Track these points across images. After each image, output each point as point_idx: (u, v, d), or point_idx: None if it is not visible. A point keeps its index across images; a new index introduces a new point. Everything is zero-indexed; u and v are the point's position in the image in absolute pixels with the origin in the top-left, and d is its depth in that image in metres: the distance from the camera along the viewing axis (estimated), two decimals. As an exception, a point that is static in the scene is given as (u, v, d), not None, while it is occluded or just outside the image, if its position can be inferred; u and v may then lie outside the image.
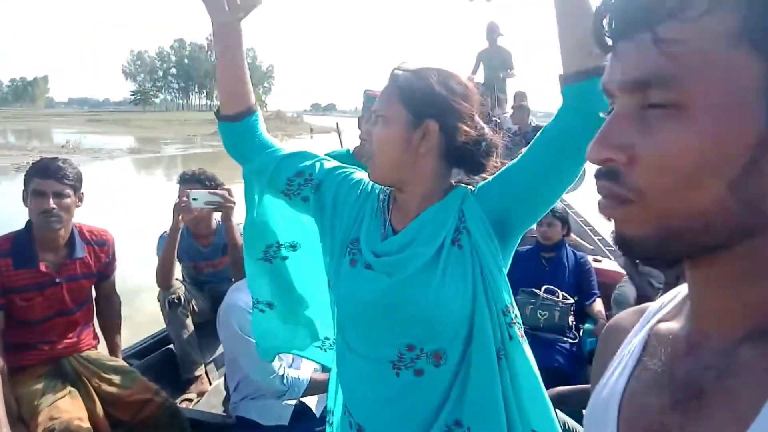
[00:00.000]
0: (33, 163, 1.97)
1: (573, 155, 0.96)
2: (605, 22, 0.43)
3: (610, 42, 0.43)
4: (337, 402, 1.23)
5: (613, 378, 0.54)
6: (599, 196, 0.44)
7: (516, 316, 1.05)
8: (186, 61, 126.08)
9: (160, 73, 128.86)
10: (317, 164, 1.18)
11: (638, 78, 0.40)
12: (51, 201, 1.90)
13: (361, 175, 1.20)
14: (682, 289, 0.54)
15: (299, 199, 1.18)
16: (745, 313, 0.43)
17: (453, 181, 1.11)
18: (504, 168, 1.05)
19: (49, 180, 1.91)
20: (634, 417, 0.49)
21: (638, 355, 0.52)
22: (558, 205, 3.03)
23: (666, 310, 0.54)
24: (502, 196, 1.03)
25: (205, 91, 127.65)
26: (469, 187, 1.09)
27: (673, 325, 0.51)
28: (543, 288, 2.78)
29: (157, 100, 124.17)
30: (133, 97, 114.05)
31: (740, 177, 0.38)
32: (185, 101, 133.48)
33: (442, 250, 1.02)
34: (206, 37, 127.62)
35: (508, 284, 1.05)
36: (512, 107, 6.68)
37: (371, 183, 1.16)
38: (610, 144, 0.42)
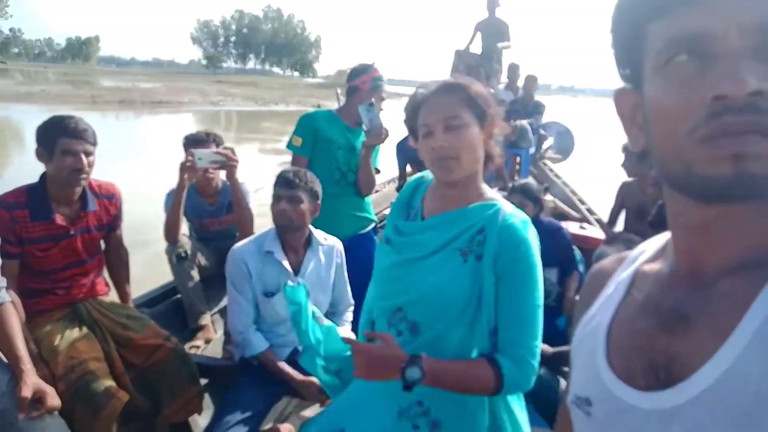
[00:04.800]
0: (53, 122, 2.03)
1: None
2: None
3: None
4: None
5: (600, 311, 0.62)
6: (725, 137, 0.44)
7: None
8: (245, 30, 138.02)
9: (222, 40, 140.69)
10: None
11: None
12: (84, 160, 2.02)
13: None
14: (657, 239, 0.64)
15: None
16: (733, 251, 0.50)
17: (488, 194, 1.28)
18: (527, 296, 1.19)
19: (80, 140, 2.01)
20: (623, 339, 0.57)
21: (624, 291, 0.61)
22: (533, 184, 3.12)
23: (647, 255, 0.63)
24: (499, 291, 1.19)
25: (260, 57, 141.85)
26: (502, 206, 1.24)
27: (657, 265, 0.60)
28: None
29: (224, 65, 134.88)
30: (205, 62, 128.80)
31: None
32: (242, 66, 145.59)
33: (444, 250, 1.22)
34: (262, 8, 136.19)
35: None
36: (511, 76, 6.74)
37: (420, 178, 1.40)
38: (754, 76, 0.43)
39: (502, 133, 1.30)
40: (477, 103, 1.22)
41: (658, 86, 0.50)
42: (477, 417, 1.23)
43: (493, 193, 1.30)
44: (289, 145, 2.65)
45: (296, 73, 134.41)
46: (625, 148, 3.20)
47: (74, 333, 2.06)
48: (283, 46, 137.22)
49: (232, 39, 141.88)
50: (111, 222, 2.27)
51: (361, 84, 2.59)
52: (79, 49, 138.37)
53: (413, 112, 1.26)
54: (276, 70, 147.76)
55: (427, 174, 1.37)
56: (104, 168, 2.36)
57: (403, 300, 1.25)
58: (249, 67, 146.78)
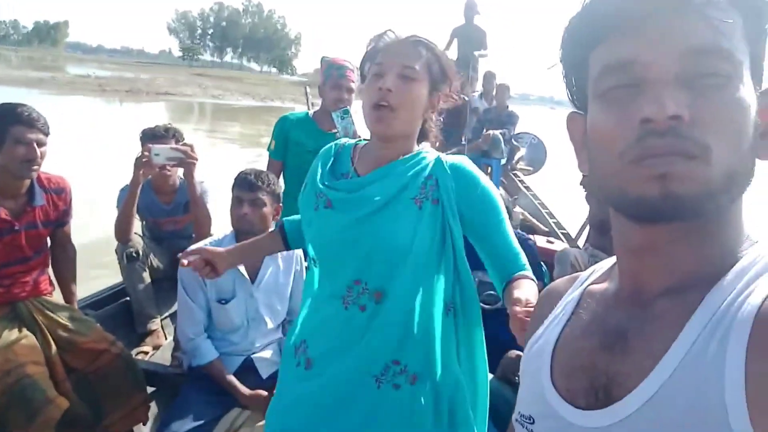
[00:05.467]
0: (4, 110, 1.93)
1: None
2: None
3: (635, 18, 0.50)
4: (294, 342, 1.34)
5: (548, 330, 0.64)
6: (650, 158, 0.47)
7: (473, 285, 1.27)
8: (224, 23, 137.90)
9: (199, 32, 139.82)
10: None
11: (697, 47, 0.47)
12: (37, 151, 1.93)
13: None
14: (607, 261, 0.65)
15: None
16: (669, 273, 0.52)
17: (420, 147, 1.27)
18: (500, 218, 1.22)
19: (33, 129, 1.93)
20: (567, 358, 0.59)
21: (572, 311, 0.62)
22: (503, 193, 3.11)
23: (596, 276, 0.65)
24: (475, 228, 1.22)
25: (237, 52, 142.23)
26: (439, 155, 1.25)
27: (603, 286, 0.62)
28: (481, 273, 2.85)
29: (201, 57, 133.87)
30: (181, 53, 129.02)
31: (755, 140, 0.49)
32: (220, 59, 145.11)
33: (397, 200, 1.18)
34: (242, 2, 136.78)
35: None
36: (486, 85, 6.76)
37: (333, 144, 1.32)
38: (675, 102, 0.46)
39: (446, 106, 1.28)
40: (438, 66, 1.20)
41: (596, 111, 0.53)
42: (449, 365, 1.23)
43: (424, 146, 1.28)
44: (268, 148, 2.65)
45: (274, 69, 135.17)
46: (581, 167, 3.19)
47: (13, 334, 1.96)
48: (262, 42, 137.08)
49: (210, 31, 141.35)
50: (59, 218, 2.17)
51: (320, 83, 2.56)
52: (47, 34, 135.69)
53: (372, 53, 1.22)
54: (253, 65, 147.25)
55: (343, 140, 1.35)
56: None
57: (360, 266, 1.18)
58: (226, 60, 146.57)
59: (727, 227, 0.51)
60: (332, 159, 1.29)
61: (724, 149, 0.47)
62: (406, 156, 1.22)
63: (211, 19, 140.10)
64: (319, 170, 1.27)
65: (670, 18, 0.48)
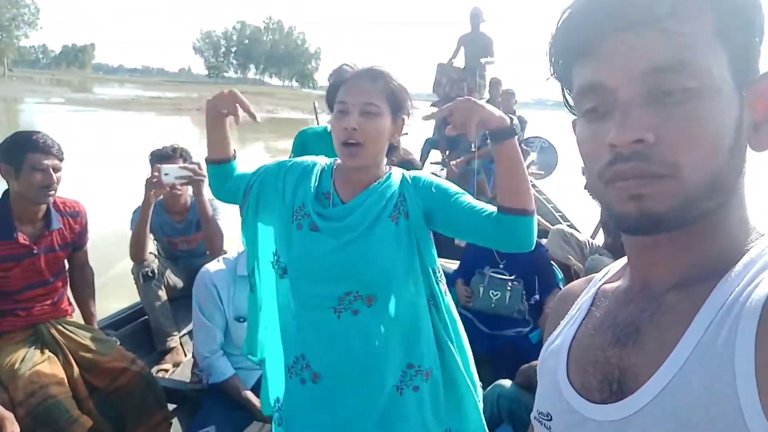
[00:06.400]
0: (20, 138, 1.99)
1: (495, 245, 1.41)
2: (590, 19, 0.50)
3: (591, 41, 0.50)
4: (289, 363, 1.41)
5: (564, 330, 0.65)
6: (621, 181, 0.49)
7: (441, 273, 1.39)
8: (246, 41, 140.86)
9: (223, 50, 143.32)
10: (257, 170, 1.43)
11: (658, 65, 0.47)
12: (53, 176, 2.00)
13: (301, 158, 1.43)
14: (621, 261, 0.66)
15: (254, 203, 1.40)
16: (675, 268, 0.53)
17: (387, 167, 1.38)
18: (454, 194, 1.30)
19: (49, 156, 1.99)
20: (582, 355, 0.59)
21: (587, 310, 0.63)
22: None
23: (610, 275, 0.66)
24: (440, 211, 1.29)
25: (260, 68, 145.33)
26: (403, 172, 1.37)
27: (616, 284, 0.62)
28: (491, 270, 2.84)
29: (227, 75, 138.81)
30: (207, 71, 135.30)
31: (739, 139, 0.49)
32: (243, 76, 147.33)
33: (378, 221, 1.29)
34: (263, 20, 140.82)
35: (434, 249, 1.37)
36: (493, 92, 6.75)
37: (312, 161, 1.40)
38: (637, 126, 0.47)
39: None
40: (395, 96, 1.29)
41: (578, 129, 0.56)
42: (444, 355, 1.37)
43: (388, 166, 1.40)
44: None
45: (295, 84, 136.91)
46: (584, 171, 3.21)
47: (36, 356, 2.00)
48: (283, 58, 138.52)
49: (233, 49, 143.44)
50: (75, 240, 2.23)
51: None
52: (75, 57, 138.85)
53: (334, 88, 1.31)
54: (275, 80, 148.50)
55: (323, 159, 1.43)
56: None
57: (352, 282, 1.28)
58: (249, 77, 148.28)
59: (728, 222, 0.52)
60: (317, 180, 1.37)
61: (697, 161, 0.47)
62: (380, 180, 1.33)
63: (234, 37, 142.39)
64: (308, 191, 1.34)
65: (630, 37, 0.48)
